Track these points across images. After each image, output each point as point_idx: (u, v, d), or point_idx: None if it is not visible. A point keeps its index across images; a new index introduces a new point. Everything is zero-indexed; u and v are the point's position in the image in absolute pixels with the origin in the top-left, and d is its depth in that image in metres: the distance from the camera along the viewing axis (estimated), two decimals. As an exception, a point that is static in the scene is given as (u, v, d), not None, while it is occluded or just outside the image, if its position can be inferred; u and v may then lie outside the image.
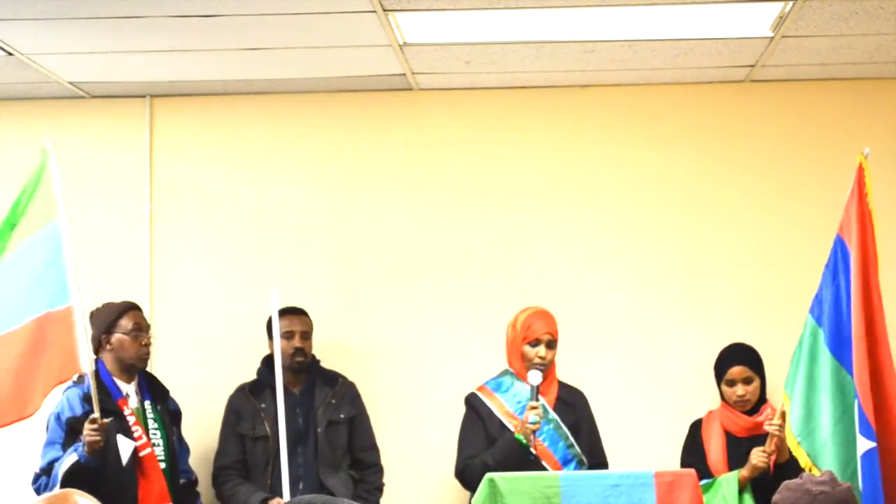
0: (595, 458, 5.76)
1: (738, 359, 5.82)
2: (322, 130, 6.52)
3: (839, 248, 5.17)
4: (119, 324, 5.64)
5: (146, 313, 6.23)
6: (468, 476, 5.57)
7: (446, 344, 6.38)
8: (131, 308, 5.70)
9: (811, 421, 5.12)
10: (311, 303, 6.15)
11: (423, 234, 6.46)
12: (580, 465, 5.65)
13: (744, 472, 5.57)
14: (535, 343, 5.67)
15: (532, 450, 5.51)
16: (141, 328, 5.66)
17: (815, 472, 4.96)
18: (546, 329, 5.69)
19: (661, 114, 6.44)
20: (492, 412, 5.68)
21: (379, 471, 6.07)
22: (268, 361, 5.90)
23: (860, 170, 5.16)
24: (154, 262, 6.48)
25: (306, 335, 6.00)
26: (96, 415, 5.21)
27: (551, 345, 5.69)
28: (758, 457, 5.51)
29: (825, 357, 5.11)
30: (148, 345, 5.68)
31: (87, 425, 5.21)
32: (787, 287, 6.28)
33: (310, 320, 6.05)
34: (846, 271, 5.10)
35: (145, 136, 6.54)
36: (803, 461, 5.10)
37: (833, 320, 5.12)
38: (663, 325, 6.35)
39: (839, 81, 6.36)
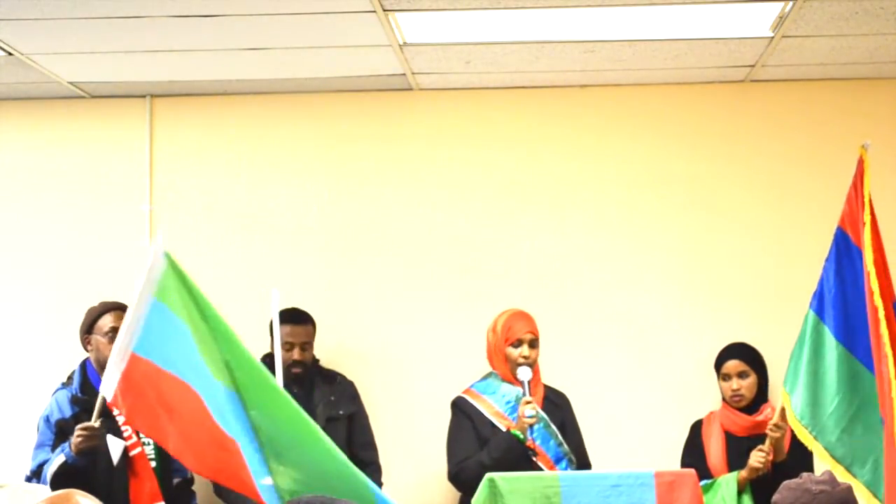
0: (581, 458, 5.76)
1: (734, 354, 5.85)
2: (322, 130, 6.52)
3: (841, 242, 5.16)
4: (97, 325, 5.59)
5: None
6: (464, 478, 5.54)
7: (446, 343, 6.38)
8: (113, 309, 5.62)
9: (822, 416, 5.13)
10: (310, 302, 6.15)
11: (423, 234, 6.46)
12: (570, 464, 5.65)
13: (743, 473, 5.57)
14: (517, 344, 5.68)
15: (530, 446, 5.51)
16: (118, 330, 5.59)
17: (839, 470, 5.00)
18: (527, 328, 5.71)
19: (661, 114, 6.44)
20: (482, 414, 5.68)
21: (377, 469, 6.07)
22: (268, 360, 5.89)
23: (860, 163, 5.15)
24: (154, 262, 6.47)
25: (306, 346, 5.96)
26: (92, 423, 5.15)
27: (534, 344, 5.70)
28: (755, 458, 5.51)
29: (832, 350, 5.12)
30: None
31: (77, 429, 5.17)
32: (787, 286, 6.28)
33: (312, 328, 6.01)
34: (852, 265, 5.10)
35: (145, 136, 6.54)
36: (819, 454, 5.13)
37: (840, 313, 5.12)
38: (663, 325, 6.35)
39: (839, 81, 6.36)
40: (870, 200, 5.11)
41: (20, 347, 6.48)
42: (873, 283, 4.95)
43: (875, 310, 4.92)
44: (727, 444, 5.76)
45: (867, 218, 5.06)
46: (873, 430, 4.98)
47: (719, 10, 5.33)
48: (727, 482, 5.57)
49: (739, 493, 5.55)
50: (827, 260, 5.21)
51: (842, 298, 5.13)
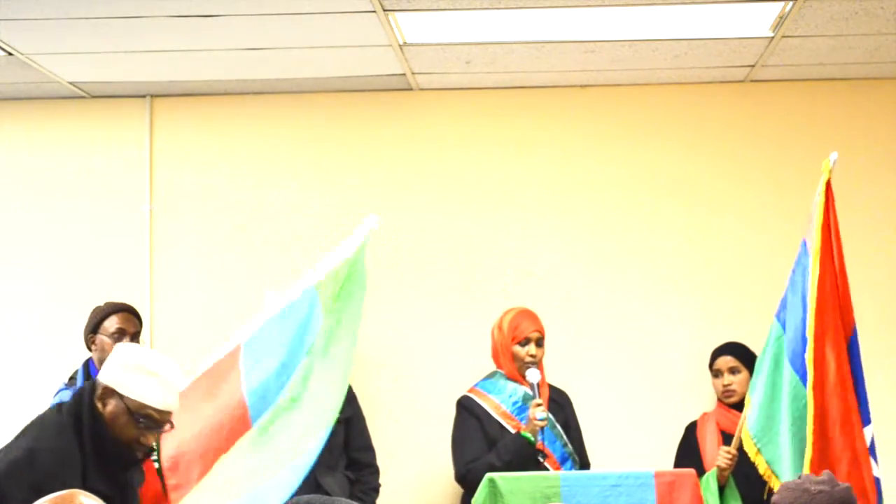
0: (581, 458, 5.76)
1: (725, 351, 5.87)
2: (322, 130, 6.52)
3: (803, 252, 5.11)
4: (103, 325, 5.58)
5: (146, 313, 6.24)
6: (472, 479, 5.47)
7: (445, 345, 6.38)
8: (120, 310, 5.62)
9: (772, 428, 5.09)
10: (311, 303, 6.15)
11: (423, 234, 6.46)
12: (574, 464, 5.65)
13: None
14: (524, 342, 5.67)
15: (540, 448, 5.50)
16: (124, 332, 5.57)
17: (774, 481, 4.97)
18: (534, 327, 5.70)
19: (661, 114, 6.44)
20: (489, 413, 5.67)
21: (375, 471, 6.06)
22: None
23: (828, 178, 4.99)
24: (154, 262, 6.48)
25: None
26: None
27: (540, 342, 5.70)
28: (721, 457, 5.44)
29: (785, 362, 5.08)
30: None
31: None
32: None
33: None
34: (804, 274, 5.06)
35: (145, 136, 6.54)
36: (762, 468, 5.09)
37: (792, 324, 5.08)
38: (662, 325, 6.35)
39: (839, 81, 6.36)
40: (824, 215, 5.00)
41: (20, 347, 6.48)
42: (812, 298, 4.92)
43: (821, 321, 4.90)
44: (724, 443, 5.74)
45: (817, 232, 4.99)
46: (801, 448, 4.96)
47: (719, 10, 5.34)
48: (706, 481, 5.52)
49: (721, 488, 5.49)
50: (792, 270, 5.15)
51: (795, 310, 5.08)
